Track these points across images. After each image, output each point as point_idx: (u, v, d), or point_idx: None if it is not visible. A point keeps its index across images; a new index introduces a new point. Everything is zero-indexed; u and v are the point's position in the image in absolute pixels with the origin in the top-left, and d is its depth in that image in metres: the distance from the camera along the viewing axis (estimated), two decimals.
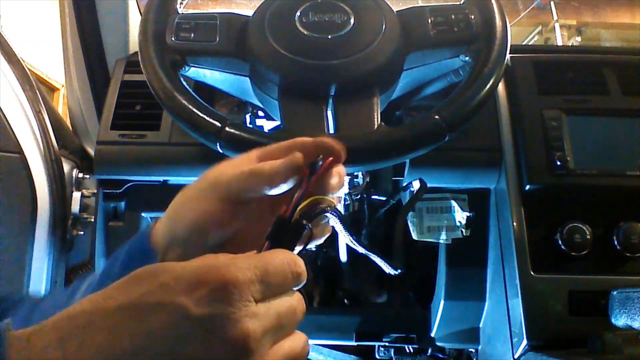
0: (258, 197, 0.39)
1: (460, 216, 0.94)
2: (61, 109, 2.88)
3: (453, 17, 0.63)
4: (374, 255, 0.48)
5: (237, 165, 0.40)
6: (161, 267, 0.28)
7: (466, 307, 0.98)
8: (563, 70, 0.88)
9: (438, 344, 1.06)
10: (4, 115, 0.79)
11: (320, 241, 0.43)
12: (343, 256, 1.03)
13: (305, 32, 0.60)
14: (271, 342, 0.29)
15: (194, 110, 0.56)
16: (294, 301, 0.32)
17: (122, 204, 0.94)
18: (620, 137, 0.82)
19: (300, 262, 0.33)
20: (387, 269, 0.54)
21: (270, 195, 0.38)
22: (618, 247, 0.78)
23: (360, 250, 0.48)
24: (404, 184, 0.94)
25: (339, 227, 0.39)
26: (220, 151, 0.56)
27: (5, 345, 0.24)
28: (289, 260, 0.32)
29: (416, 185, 0.90)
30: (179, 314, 0.26)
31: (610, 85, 0.86)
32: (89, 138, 1.03)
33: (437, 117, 0.56)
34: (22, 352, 0.24)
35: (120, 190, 0.91)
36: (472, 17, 0.63)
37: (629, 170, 0.80)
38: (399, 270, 0.54)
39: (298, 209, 0.35)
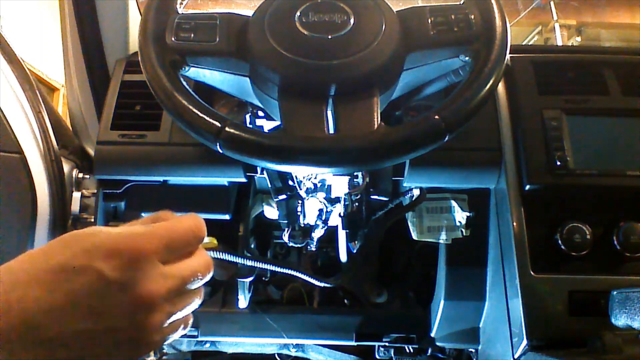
0: None
1: (460, 216, 0.94)
2: (61, 109, 2.88)
3: (453, 17, 0.63)
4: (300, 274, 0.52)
5: None
6: (86, 233, 0.34)
7: (466, 307, 0.98)
8: (563, 70, 0.88)
9: (438, 344, 1.06)
10: (4, 115, 0.79)
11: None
12: (343, 256, 1.03)
13: (305, 32, 0.60)
14: (177, 299, 0.37)
15: (194, 110, 0.56)
16: (199, 265, 0.39)
17: (122, 204, 0.94)
18: (620, 137, 0.82)
19: (203, 226, 0.40)
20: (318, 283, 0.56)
21: None
22: (618, 247, 0.78)
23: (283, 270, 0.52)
24: (404, 189, 0.94)
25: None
26: (220, 151, 0.56)
27: None
28: (193, 226, 0.39)
29: (416, 192, 0.90)
30: (97, 277, 0.32)
31: (610, 85, 0.86)
32: (89, 138, 1.03)
33: (436, 117, 0.56)
34: None
35: (120, 191, 0.91)
36: (472, 17, 0.63)
37: (629, 170, 0.80)
38: (333, 285, 0.58)
39: None
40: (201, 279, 0.39)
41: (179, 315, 0.37)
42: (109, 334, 0.32)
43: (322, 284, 0.57)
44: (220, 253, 0.49)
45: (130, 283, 0.33)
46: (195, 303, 0.39)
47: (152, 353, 1.19)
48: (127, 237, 0.34)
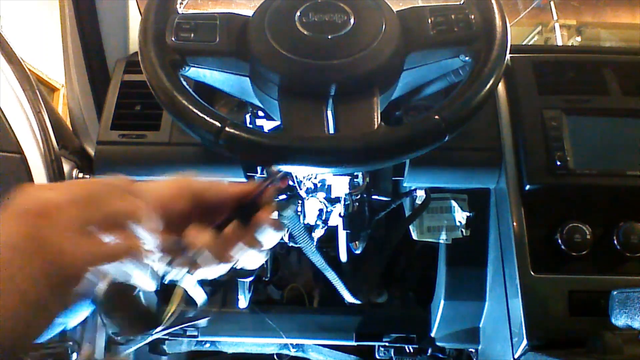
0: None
1: (460, 216, 0.94)
2: (61, 109, 2.88)
3: (453, 17, 0.63)
4: (338, 281, 0.51)
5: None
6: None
7: (466, 307, 0.98)
8: (563, 70, 0.88)
9: (438, 344, 1.06)
10: (4, 115, 0.79)
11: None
12: (343, 256, 1.03)
13: (305, 32, 0.60)
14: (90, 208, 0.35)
15: (194, 110, 0.56)
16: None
17: None
18: (620, 137, 0.82)
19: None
20: (349, 298, 0.56)
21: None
22: (618, 247, 0.78)
23: (328, 275, 0.51)
24: (407, 190, 0.94)
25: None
26: (220, 151, 0.56)
27: None
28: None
29: (420, 193, 0.90)
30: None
31: (610, 85, 0.86)
32: (89, 138, 1.03)
33: (436, 117, 0.56)
34: None
35: None
36: (472, 17, 0.63)
37: (629, 170, 0.80)
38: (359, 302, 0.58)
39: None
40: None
41: (100, 220, 0.35)
42: (14, 249, 0.31)
43: (352, 299, 0.58)
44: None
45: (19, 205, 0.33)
46: (123, 209, 0.37)
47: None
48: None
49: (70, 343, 1.02)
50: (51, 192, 0.35)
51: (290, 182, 0.87)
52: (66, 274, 0.32)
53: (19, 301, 0.30)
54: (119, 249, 0.35)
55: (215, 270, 0.41)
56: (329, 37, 0.60)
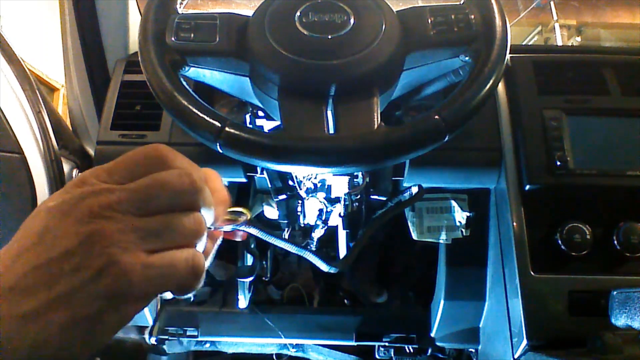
0: None
1: (460, 216, 0.94)
2: (61, 109, 2.88)
3: (453, 17, 0.63)
4: (308, 253, 0.51)
5: None
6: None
7: (466, 307, 0.98)
8: (563, 70, 0.88)
9: (438, 344, 1.07)
10: (4, 115, 0.79)
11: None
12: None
13: (305, 32, 0.60)
14: (151, 219, 0.31)
15: (194, 110, 0.56)
16: (169, 175, 0.32)
17: None
18: (620, 137, 0.82)
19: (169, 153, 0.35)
20: (325, 267, 0.57)
21: None
22: (618, 247, 0.78)
23: (293, 250, 0.51)
24: (404, 188, 0.94)
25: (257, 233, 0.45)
26: (220, 151, 0.56)
27: None
28: (152, 151, 0.34)
29: (415, 190, 0.90)
30: (44, 211, 0.30)
31: (610, 85, 0.86)
32: (89, 138, 1.03)
33: (436, 117, 0.56)
34: None
35: None
36: (472, 17, 0.63)
37: (629, 170, 0.80)
38: (337, 270, 0.57)
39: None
40: (174, 191, 0.31)
41: (167, 237, 0.31)
42: (68, 257, 0.28)
43: (328, 268, 0.57)
44: (254, 229, 0.45)
45: (69, 205, 0.29)
46: (191, 226, 0.32)
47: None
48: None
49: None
50: (112, 194, 0.30)
51: (290, 182, 0.87)
52: (133, 298, 0.29)
53: (75, 319, 0.28)
54: (190, 271, 0.32)
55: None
56: (329, 37, 0.60)
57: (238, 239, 0.45)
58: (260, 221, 1.13)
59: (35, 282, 0.28)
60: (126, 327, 0.65)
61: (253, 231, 0.45)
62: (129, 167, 0.32)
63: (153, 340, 1.16)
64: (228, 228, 0.42)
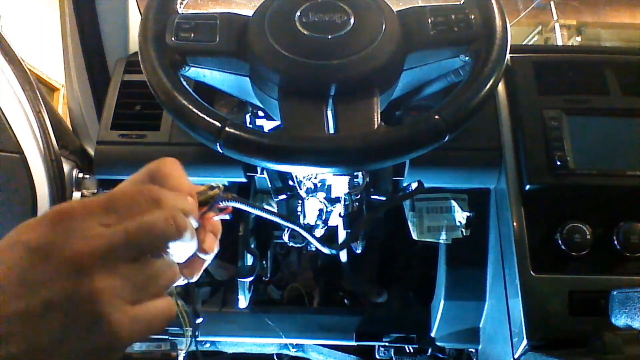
0: None
1: (460, 216, 0.94)
2: (61, 109, 2.88)
3: (453, 17, 0.63)
4: (305, 232, 0.51)
5: None
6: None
7: (466, 307, 0.98)
8: (563, 70, 0.88)
9: (438, 343, 1.06)
10: (4, 115, 0.79)
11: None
12: (343, 256, 1.03)
13: (305, 32, 0.60)
14: (134, 264, 0.30)
15: (194, 110, 0.56)
16: (154, 218, 0.31)
17: None
18: (620, 137, 0.82)
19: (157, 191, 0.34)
20: (323, 249, 0.57)
21: None
22: (618, 247, 0.78)
23: (281, 222, 0.51)
24: (404, 186, 0.94)
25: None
26: (220, 151, 0.56)
27: None
28: (145, 188, 0.34)
29: (414, 186, 0.90)
30: (24, 248, 0.28)
31: (610, 85, 0.86)
32: (89, 138, 1.03)
33: (437, 117, 0.56)
34: None
35: None
36: (472, 17, 0.63)
37: (629, 170, 0.80)
38: (334, 252, 0.58)
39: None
40: (161, 238, 0.31)
41: (150, 288, 0.31)
42: (50, 310, 0.27)
43: (327, 250, 0.57)
44: (233, 202, 0.45)
45: (53, 246, 0.28)
46: (168, 273, 0.32)
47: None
48: (59, 205, 0.30)
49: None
50: (102, 239, 0.29)
51: (290, 182, 0.87)
52: (119, 349, 0.29)
53: None
54: (166, 313, 0.32)
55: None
56: (329, 37, 0.60)
57: (226, 217, 0.44)
58: (260, 221, 1.13)
59: (15, 330, 0.27)
60: None
61: (237, 205, 0.45)
62: (127, 204, 0.32)
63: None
64: (213, 214, 0.41)
